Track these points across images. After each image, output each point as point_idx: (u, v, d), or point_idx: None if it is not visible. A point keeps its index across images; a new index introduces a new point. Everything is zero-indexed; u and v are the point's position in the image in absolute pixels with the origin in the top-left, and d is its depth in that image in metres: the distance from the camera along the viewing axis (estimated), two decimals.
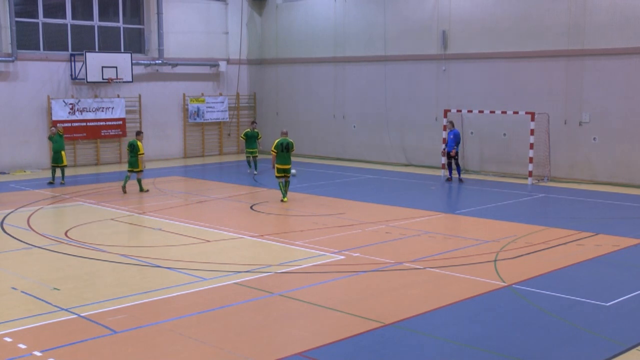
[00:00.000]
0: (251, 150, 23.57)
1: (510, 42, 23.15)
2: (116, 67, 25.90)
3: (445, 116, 23.48)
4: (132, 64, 26.37)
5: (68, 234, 14.62)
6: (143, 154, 19.90)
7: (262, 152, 25.01)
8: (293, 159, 18.72)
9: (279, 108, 30.49)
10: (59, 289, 10.68)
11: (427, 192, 20.57)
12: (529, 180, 21.76)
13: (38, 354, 8.15)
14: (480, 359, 8.23)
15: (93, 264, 12.33)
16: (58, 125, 22.59)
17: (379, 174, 24.06)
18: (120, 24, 27.50)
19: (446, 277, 11.49)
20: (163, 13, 27.76)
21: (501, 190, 20.62)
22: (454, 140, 21.85)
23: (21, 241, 13.96)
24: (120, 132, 26.94)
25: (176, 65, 28.44)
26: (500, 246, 13.51)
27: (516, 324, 9.38)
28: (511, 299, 10.39)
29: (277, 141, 18.33)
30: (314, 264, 12.32)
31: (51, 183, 21.37)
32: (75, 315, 9.51)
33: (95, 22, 26.71)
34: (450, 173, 22.38)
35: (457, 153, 21.88)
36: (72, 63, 25.70)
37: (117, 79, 25.98)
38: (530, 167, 21.81)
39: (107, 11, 27.19)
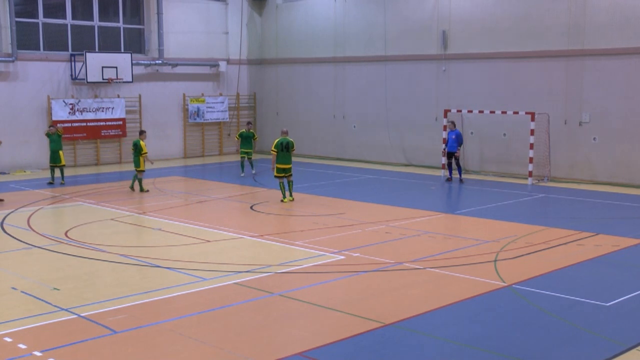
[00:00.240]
0: (246, 151, 23.48)
1: (510, 42, 23.15)
2: (116, 67, 25.90)
3: (445, 116, 23.49)
4: (132, 64, 26.38)
5: (68, 234, 14.62)
6: (146, 153, 19.90)
7: (257, 153, 24.98)
8: (293, 158, 18.67)
9: (279, 108, 30.50)
10: (59, 289, 10.68)
11: (427, 192, 20.57)
12: (529, 180, 21.76)
13: (38, 354, 8.15)
14: (480, 359, 8.23)
15: (93, 264, 12.33)
16: (58, 125, 22.59)
17: (379, 174, 24.06)
18: (121, 24, 27.51)
19: (446, 277, 11.49)
20: (163, 13, 27.77)
21: (501, 190, 20.62)
22: (457, 141, 21.85)
23: (21, 241, 13.96)
24: (120, 132, 26.94)
25: (176, 65, 28.45)
26: (500, 246, 13.51)
27: (516, 324, 9.38)
28: (511, 299, 10.39)
29: (277, 140, 18.30)
30: (314, 264, 12.32)
31: (51, 183, 21.37)
32: (75, 315, 9.51)
33: (96, 22, 26.71)
34: (451, 173, 22.38)
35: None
36: (72, 63, 25.71)
37: (117, 79, 25.98)
38: (530, 167, 21.82)
39: (107, 11, 27.19)
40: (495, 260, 12.44)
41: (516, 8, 22.94)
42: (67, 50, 25.93)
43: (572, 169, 22.32)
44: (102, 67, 25.60)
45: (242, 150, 23.52)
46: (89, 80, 25.47)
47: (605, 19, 21.17)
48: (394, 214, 16.79)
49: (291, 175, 18.47)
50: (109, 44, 27.19)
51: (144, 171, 20.01)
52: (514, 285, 10.93)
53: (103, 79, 25.68)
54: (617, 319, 9.62)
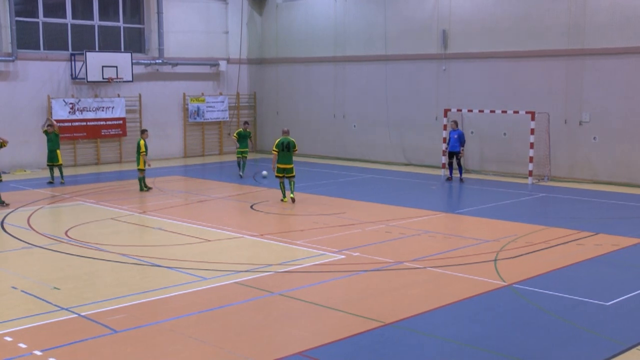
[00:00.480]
0: (243, 150, 23.37)
1: (510, 42, 23.15)
2: (116, 67, 25.89)
3: (446, 115, 23.49)
4: (132, 64, 26.37)
5: (68, 233, 14.62)
6: (144, 152, 19.85)
7: (257, 152, 24.96)
8: (294, 158, 18.50)
9: (279, 107, 30.49)
10: (59, 289, 10.69)
11: (427, 191, 20.57)
12: (529, 180, 21.77)
13: (38, 353, 8.15)
14: (480, 358, 8.24)
15: (93, 263, 12.33)
16: (56, 124, 22.50)
17: (379, 174, 24.05)
18: (121, 24, 27.50)
19: (446, 276, 11.49)
20: (163, 12, 27.76)
21: (501, 189, 20.62)
22: (459, 141, 21.84)
23: (21, 241, 13.96)
24: (121, 132, 26.94)
25: (176, 64, 28.44)
26: (500, 246, 13.51)
27: (516, 323, 9.39)
28: (511, 298, 10.39)
29: (278, 140, 18.22)
30: (314, 263, 12.32)
31: (51, 182, 21.37)
32: (75, 315, 9.51)
33: (96, 21, 26.71)
34: (451, 172, 22.38)
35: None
36: (73, 62, 25.70)
37: (117, 78, 25.98)
38: (531, 166, 21.82)
39: (107, 11, 27.19)
40: (495, 260, 12.44)
41: (516, 8, 22.94)
42: (67, 49, 25.92)
43: (572, 169, 22.32)
44: (102, 67, 25.59)
45: (239, 150, 23.45)
46: (89, 80, 25.47)
47: (605, 18, 21.17)
48: (394, 214, 16.79)
49: (293, 175, 18.23)
50: (109, 43, 27.19)
51: (143, 170, 19.98)
52: (514, 285, 10.93)
53: (103, 78, 25.68)
54: (617, 318, 9.62)
